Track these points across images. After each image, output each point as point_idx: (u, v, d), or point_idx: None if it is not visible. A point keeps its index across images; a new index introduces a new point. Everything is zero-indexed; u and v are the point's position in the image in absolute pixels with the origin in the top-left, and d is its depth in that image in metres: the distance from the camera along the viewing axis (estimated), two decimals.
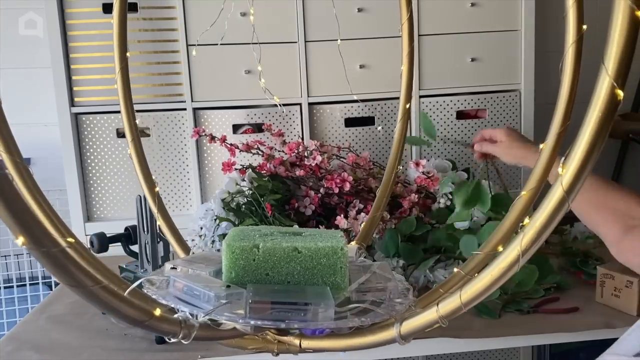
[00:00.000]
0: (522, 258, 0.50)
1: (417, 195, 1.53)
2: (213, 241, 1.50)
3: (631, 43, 0.43)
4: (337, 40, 1.76)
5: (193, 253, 0.77)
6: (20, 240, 0.41)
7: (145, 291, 0.60)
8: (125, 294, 0.56)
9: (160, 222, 0.80)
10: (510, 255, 0.51)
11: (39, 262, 0.43)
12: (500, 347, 1.26)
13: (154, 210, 0.80)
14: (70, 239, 0.61)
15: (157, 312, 0.53)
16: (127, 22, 0.82)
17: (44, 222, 0.61)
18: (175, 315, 0.56)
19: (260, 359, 1.17)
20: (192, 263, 0.65)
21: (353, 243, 0.80)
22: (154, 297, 0.58)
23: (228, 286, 0.59)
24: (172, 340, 0.55)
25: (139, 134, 0.83)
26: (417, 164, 1.58)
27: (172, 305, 0.57)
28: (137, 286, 0.60)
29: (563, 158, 0.47)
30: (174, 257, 1.39)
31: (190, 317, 0.56)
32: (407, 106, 0.87)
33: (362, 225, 0.85)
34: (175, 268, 0.64)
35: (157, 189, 0.82)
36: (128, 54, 0.81)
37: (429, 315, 0.59)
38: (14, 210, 0.40)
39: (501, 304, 1.28)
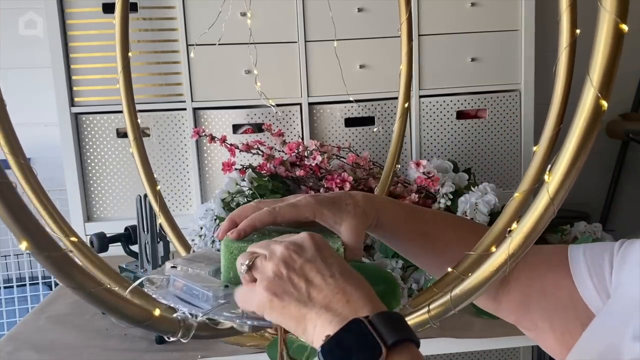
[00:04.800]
0: (510, 261, 0.53)
1: (417, 195, 1.53)
2: (213, 241, 1.50)
3: (615, 55, 0.44)
4: (337, 40, 1.76)
5: (194, 252, 0.77)
6: (24, 245, 0.43)
7: (146, 290, 0.61)
8: (126, 293, 0.58)
9: (162, 221, 0.81)
10: (498, 258, 0.54)
11: (41, 265, 0.46)
12: (500, 347, 1.27)
13: (156, 209, 0.81)
14: (73, 239, 0.63)
15: (157, 312, 0.54)
16: (128, 22, 0.82)
17: (49, 222, 0.64)
18: (174, 315, 0.57)
19: (259, 359, 1.17)
20: (192, 262, 0.65)
21: None
22: (154, 296, 0.59)
23: (226, 286, 0.59)
24: (172, 339, 0.56)
25: (141, 133, 0.83)
26: (418, 164, 1.58)
27: (172, 305, 0.58)
28: (139, 285, 0.61)
29: (549, 165, 0.49)
30: (174, 256, 1.39)
31: (190, 316, 0.57)
32: (406, 105, 0.88)
33: None
34: (176, 267, 0.64)
35: (158, 187, 0.82)
36: (130, 54, 0.82)
37: (420, 316, 0.61)
38: (17, 217, 0.42)
39: None
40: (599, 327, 0.61)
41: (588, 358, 0.58)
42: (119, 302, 0.52)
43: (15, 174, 0.61)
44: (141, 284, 0.62)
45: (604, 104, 0.45)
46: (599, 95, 0.44)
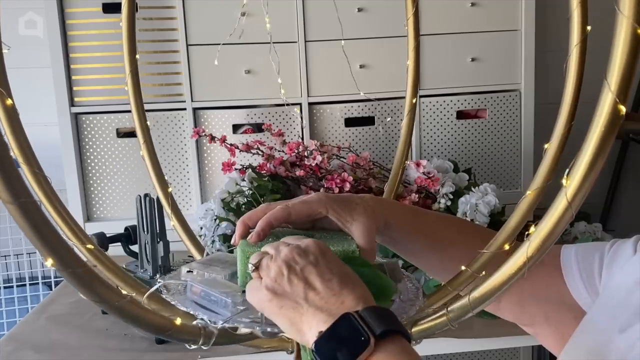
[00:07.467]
0: (529, 264, 0.53)
1: (417, 196, 1.53)
2: (213, 241, 1.50)
3: (633, 60, 0.44)
4: (337, 40, 1.76)
5: (207, 254, 0.77)
6: (50, 262, 0.44)
7: (164, 296, 0.61)
8: (143, 299, 0.59)
9: (174, 222, 0.81)
10: (517, 261, 0.54)
11: (67, 281, 0.47)
12: (500, 347, 1.27)
13: (168, 211, 0.81)
14: (90, 246, 0.64)
15: (178, 321, 0.56)
16: (135, 23, 0.82)
17: (65, 230, 0.65)
18: (194, 323, 0.58)
19: (259, 359, 1.17)
20: (208, 266, 0.65)
21: None
22: (172, 302, 0.60)
23: (244, 291, 0.59)
24: (193, 346, 0.58)
25: (150, 135, 0.83)
26: (418, 164, 1.58)
27: (191, 312, 0.58)
28: (156, 291, 0.62)
29: (567, 171, 0.50)
30: (174, 256, 1.39)
31: (209, 323, 0.57)
32: (414, 101, 0.88)
33: None
34: (192, 271, 0.64)
35: (170, 189, 0.82)
36: (137, 56, 0.82)
37: (439, 318, 0.63)
38: (43, 236, 0.44)
39: None
40: (589, 325, 0.62)
41: (579, 355, 0.59)
42: (141, 313, 0.54)
43: (29, 183, 0.62)
44: (159, 290, 0.63)
45: (622, 108, 0.45)
46: (617, 100, 0.44)
